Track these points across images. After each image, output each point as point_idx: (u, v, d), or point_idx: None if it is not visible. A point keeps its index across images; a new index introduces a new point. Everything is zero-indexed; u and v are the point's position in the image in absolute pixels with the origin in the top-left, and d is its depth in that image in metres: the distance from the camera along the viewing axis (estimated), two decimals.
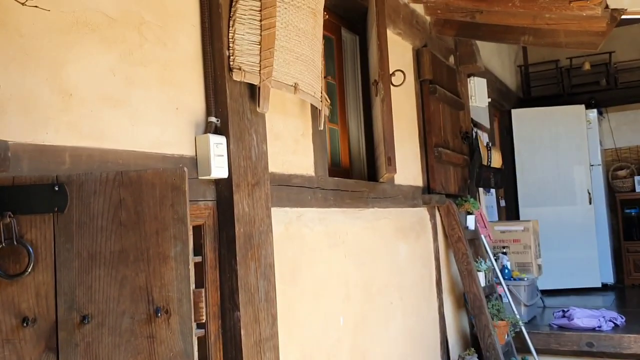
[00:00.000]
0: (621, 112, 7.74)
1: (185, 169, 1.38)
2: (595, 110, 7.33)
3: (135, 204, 1.32)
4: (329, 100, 2.85)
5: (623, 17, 3.73)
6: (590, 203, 6.95)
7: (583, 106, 7.14)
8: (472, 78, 5.27)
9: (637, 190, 7.34)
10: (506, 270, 5.07)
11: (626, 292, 6.98)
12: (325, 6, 2.93)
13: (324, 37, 3.35)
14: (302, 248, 2.66)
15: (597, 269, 6.88)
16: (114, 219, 1.31)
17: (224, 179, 2.07)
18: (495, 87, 6.59)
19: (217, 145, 2.01)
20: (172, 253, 1.29)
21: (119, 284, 1.29)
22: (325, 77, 3.13)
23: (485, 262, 4.52)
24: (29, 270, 1.28)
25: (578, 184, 7.00)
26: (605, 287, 6.98)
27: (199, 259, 2.02)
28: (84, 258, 1.30)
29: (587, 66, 7.47)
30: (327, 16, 3.03)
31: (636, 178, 7.38)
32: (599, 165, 7.28)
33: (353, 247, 3.15)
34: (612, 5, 3.63)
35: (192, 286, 1.31)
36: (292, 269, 2.58)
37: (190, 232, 1.34)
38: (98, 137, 1.69)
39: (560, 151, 7.04)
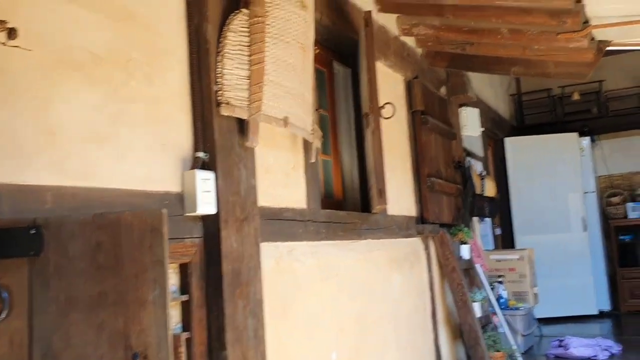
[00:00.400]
0: (613, 139, 7.79)
1: (164, 210, 1.36)
2: (588, 138, 7.38)
3: (113, 247, 1.29)
4: (320, 133, 2.85)
5: (609, 48, 3.78)
6: (585, 230, 6.95)
7: (576, 134, 7.19)
8: (464, 108, 5.30)
9: (630, 217, 7.34)
10: (502, 300, 5.03)
11: (622, 319, 6.92)
12: (316, 40, 2.96)
13: (316, 70, 3.38)
14: (293, 283, 2.63)
15: (594, 296, 6.84)
16: (92, 262, 1.29)
17: (212, 215, 2.05)
18: (489, 116, 6.63)
19: (205, 181, 2.00)
20: (150, 297, 1.27)
21: (96, 329, 1.26)
22: (317, 109, 3.14)
23: (481, 291, 4.48)
24: (3, 316, 1.25)
25: (573, 211, 7.01)
26: (601, 315, 6.93)
27: (185, 297, 1.99)
28: (61, 302, 1.27)
29: (576, 96, 7.54)
30: (317, 50, 3.05)
31: (629, 205, 7.39)
32: (593, 192, 7.29)
33: (346, 279, 3.11)
34: (598, 37, 3.68)
35: (171, 330, 1.28)
36: (283, 304, 2.54)
37: (168, 276, 1.31)
38: (82, 176, 1.68)
39: (555, 179, 7.06)
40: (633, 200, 7.48)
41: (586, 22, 3.42)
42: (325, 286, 2.91)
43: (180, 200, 2.00)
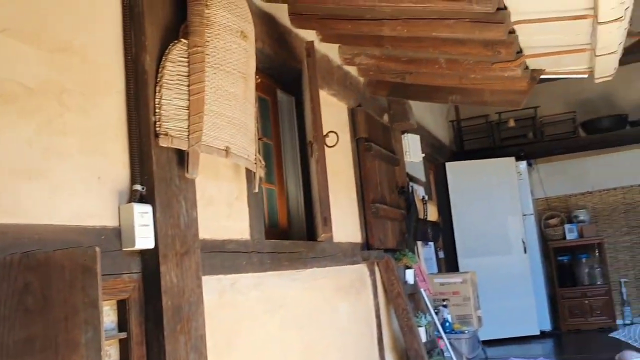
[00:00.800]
0: (549, 163, 8.10)
1: (97, 248, 1.31)
2: (524, 162, 7.64)
3: (42, 288, 1.23)
4: (263, 162, 2.84)
5: (542, 76, 3.94)
6: (525, 252, 7.15)
7: (513, 158, 7.44)
8: (406, 134, 5.40)
9: (567, 238, 7.60)
10: (447, 324, 5.08)
11: (563, 338, 7.12)
12: (259, 69, 2.97)
13: (260, 98, 3.38)
14: (237, 316, 2.58)
15: (535, 316, 7.02)
16: (19, 306, 1.22)
17: (150, 249, 1.99)
18: (430, 142, 6.78)
19: (142, 214, 1.94)
20: (82, 339, 1.21)
21: None
22: (260, 138, 3.13)
23: (426, 316, 4.52)
24: None
25: (513, 233, 7.21)
26: (543, 334, 7.11)
27: (123, 335, 1.92)
28: None
29: (511, 123, 7.84)
30: (260, 79, 3.06)
31: (566, 226, 7.66)
32: (531, 214, 7.53)
33: (291, 310, 3.08)
34: (531, 66, 3.83)
35: None
36: (227, 338, 2.49)
37: (102, 316, 1.26)
38: (12, 212, 1.60)
39: (494, 202, 7.26)
40: (570, 221, 7.77)
41: (519, 52, 3.56)
42: (270, 318, 2.87)
43: (118, 235, 1.93)
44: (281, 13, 3.37)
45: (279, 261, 2.98)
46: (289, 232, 3.53)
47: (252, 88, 2.64)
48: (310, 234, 3.52)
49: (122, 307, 1.95)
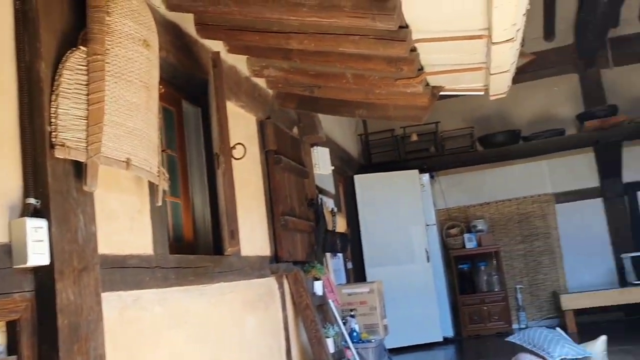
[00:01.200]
0: (449, 175, 8.47)
1: None
2: (427, 175, 7.94)
3: None
4: (167, 175, 2.77)
5: (441, 93, 4.12)
6: (428, 261, 7.41)
7: (417, 171, 7.71)
8: (315, 147, 5.46)
9: (467, 247, 7.96)
10: (355, 334, 5.16)
11: (464, 344, 7.43)
12: (163, 79, 2.90)
13: (164, 109, 3.30)
14: (139, 333, 2.49)
15: (438, 323, 7.28)
16: None
17: (45, 266, 1.88)
18: (339, 155, 6.90)
19: (36, 229, 1.84)
20: None
21: None
22: (164, 150, 3.05)
23: (334, 327, 4.57)
24: None
25: (416, 243, 7.45)
26: (446, 341, 7.38)
27: (13, 358, 1.80)
28: None
29: (414, 137, 8.15)
30: (162, 90, 2.98)
31: (466, 235, 8.02)
32: (434, 224, 7.82)
33: (197, 326, 3.01)
34: (432, 83, 4.00)
35: None
36: (130, 355, 2.39)
37: None
38: None
39: (400, 213, 7.49)
40: (469, 231, 8.14)
41: (421, 69, 3.71)
42: (175, 334, 2.79)
43: (8, 252, 1.81)
44: (187, 23, 3.32)
45: (184, 276, 2.91)
46: (195, 246, 3.45)
47: (155, 98, 2.57)
48: (218, 248, 3.47)
49: (12, 329, 1.83)
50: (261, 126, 4.36)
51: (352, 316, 5.33)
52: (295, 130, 5.12)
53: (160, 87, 2.70)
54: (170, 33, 3.11)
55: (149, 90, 2.48)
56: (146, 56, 2.42)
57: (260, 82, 4.39)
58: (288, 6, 2.86)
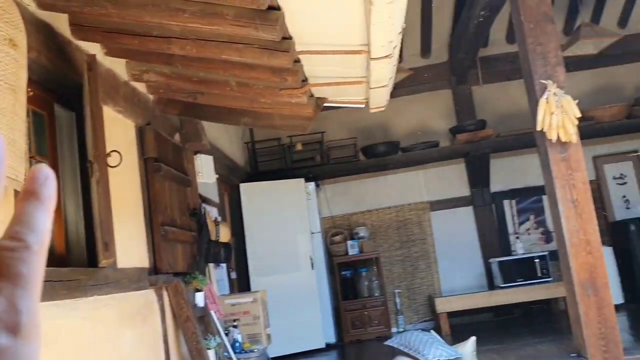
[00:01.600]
0: (334, 184, 8.68)
1: None
2: (313, 183, 8.07)
3: None
4: None
5: (325, 104, 4.22)
6: (312, 268, 7.52)
7: (303, 180, 7.81)
8: (199, 155, 5.36)
9: (350, 254, 8.17)
10: (237, 344, 5.11)
11: (346, 349, 7.61)
12: (32, 81, 2.72)
13: (34, 113, 3.09)
14: (1, 356, 2.29)
15: (321, 330, 7.40)
16: None
17: None
18: (224, 163, 6.82)
19: None
20: None
21: None
22: (33, 157, 2.86)
23: (216, 338, 4.50)
24: None
25: (301, 251, 7.54)
26: (328, 347, 7.51)
27: None
28: None
29: (299, 147, 8.27)
30: (32, 93, 2.80)
31: (349, 242, 8.24)
32: (318, 232, 7.96)
33: (70, 342, 2.84)
34: (316, 94, 4.08)
35: None
36: None
37: None
38: None
39: (285, 221, 7.54)
40: (352, 238, 8.36)
41: (305, 80, 3.77)
42: (45, 352, 2.60)
43: None
44: (61, 23, 3.14)
45: (54, 290, 2.73)
46: (68, 259, 3.26)
47: (22, 101, 2.41)
48: (92, 260, 3.29)
49: None
50: (140, 132, 4.21)
51: (235, 326, 5.28)
52: (177, 137, 4.99)
53: (29, 90, 2.53)
54: (42, 33, 2.92)
55: (16, 93, 2.32)
56: (12, 57, 2.26)
57: (140, 86, 4.24)
58: (169, 11, 2.79)
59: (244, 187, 7.51)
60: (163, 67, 3.82)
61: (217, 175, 5.78)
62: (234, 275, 7.06)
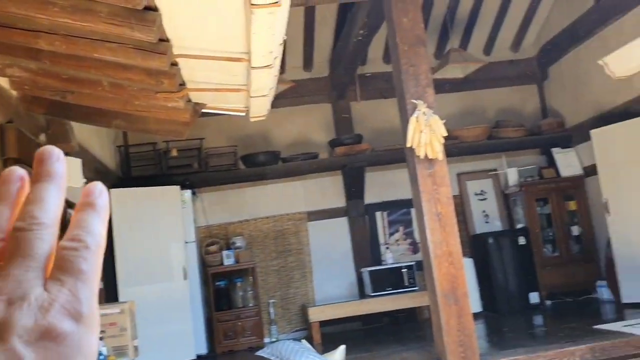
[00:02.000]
0: (212, 192, 8.54)
1: None
2: (189, 191, 7.88)
3: None
4: None
5: (205, 110, 4.16)
6: (185, 278, 7.33)
7: (178, 187, 7.60)
8: (66, 158, 5.05)
9: (225, 264, 8.07)
10: (102, 357, 4.85)
11: None
12: None
13: None
14: None
15: (192, 341, 7.22)
16: None
17: None
18: (94, 167, 6.48)
19: None
20: None
21: None
22: None
23: None
24: None
25: (175, 260, 7.33)
26: (199, 358, 7.35)
27: None
28: None
29: (174, 152, 8.05)
30: None
31: (224, 252, 8.14)
32: (193, 242, 7.78)
33: None
34: (194, 100, 4.01)
35: None
36: None
37: None
38: None
39: (159, 230, 7.29)
40: (228, 248, 8.27)
41: (183, 84, 3.70)
42: None
43: None
44: None
45: None
46: None
47: None
48: None
49: None
50: (1, 131, 3.90)
51: (100, 339, 5.01)
52: (43, 137, 4.68)
53: None
54: None
55: None
56: None
57: (3, 81, 3.94)
58: (37, 3, 2.62)
59: (115, 193, 7.16)
60: (29, 62, 3.57)
61: (85, 180, 5.47)
62: (100, 285, 6.71)
